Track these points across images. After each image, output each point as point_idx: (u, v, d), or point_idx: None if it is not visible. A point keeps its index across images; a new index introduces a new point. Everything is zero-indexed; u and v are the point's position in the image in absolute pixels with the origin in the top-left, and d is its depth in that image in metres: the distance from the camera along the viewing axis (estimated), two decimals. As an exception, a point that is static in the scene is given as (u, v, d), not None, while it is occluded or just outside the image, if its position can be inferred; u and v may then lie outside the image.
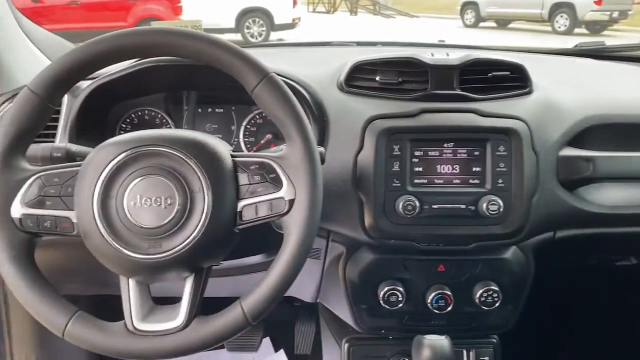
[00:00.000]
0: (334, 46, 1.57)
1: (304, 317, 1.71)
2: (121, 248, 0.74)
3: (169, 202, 0.74)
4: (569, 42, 1.81)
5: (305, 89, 1.08)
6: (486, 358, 1.16)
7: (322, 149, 0.91)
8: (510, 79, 1.07)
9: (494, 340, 1.18)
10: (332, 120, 1.05)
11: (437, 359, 0.96)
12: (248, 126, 1.21)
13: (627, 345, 1.61)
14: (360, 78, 1.07)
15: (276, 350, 1.82)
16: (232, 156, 0.80)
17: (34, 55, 1.26)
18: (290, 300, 1.44)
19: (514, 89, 1.07)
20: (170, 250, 0.74)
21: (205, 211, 0.75)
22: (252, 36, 9.35)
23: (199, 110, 1.21)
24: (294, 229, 0.77)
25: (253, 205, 0.78)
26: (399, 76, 1.05)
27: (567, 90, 1.15)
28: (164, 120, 1.20)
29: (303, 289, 1.27)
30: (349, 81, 1.08)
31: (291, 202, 0.77)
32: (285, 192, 0.77)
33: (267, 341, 1.84)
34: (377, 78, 1.05)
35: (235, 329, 0.75)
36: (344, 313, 1.15)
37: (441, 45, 1.65)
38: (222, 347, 1.65)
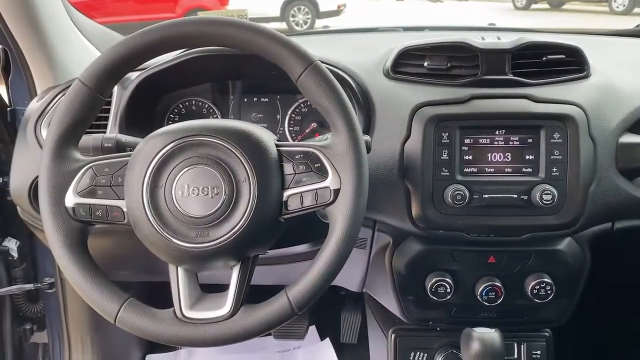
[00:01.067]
0: (380, 32, 1.54)
1: (350, 307, 1.71)
2: (170, 237, 0.75)
3: (215, 191, 0.75)
4: (629, 23, 1.70)
5: (351, 76, 1.06)
6: (538, 352, 1.12)
7: (368, 137, 0.89)
8: (566, 63, 1.02)
9: (547, 334, 1.14)
10: (378, 107, 1.03)
11: (487, 352, 0.93)
12: (293, 115, 1.20)
13: None
14: (407, 64, 1.05)
15: (322, 338, 1.82)
16: (277, 145, 0.80)
17: (86, 48, 1.29)
18: (336, 290, 1.44)
19: (570, 73, 1.02)
20: (217, 239, 0.74)
21: (251, 201, 0.75)
22: (297, 24, 9.32)
23: (245, 99, 1.21)
24: (339, 218, 0.76)
25: (298, 195, 0.77)
26: (448, 61, 1.02)
27: (627, 73, 1.09)
28: (211, 110, 1.21)
29: (349, 279, 1.27)
30: (396, 67, 1.05)
31: (336, 191, 0.77)
32: (330, 182, 0.76)
33: (312, 329, 1.84)
34: (425, 64, 1.03)
35: (281, 318, 0.76)
36: (391, 304, 1.14)
37: (492, 29, 1.60)
38: (269, 334, 1.67)
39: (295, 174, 0.78)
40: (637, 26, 1.53)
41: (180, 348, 1.81)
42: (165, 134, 0.79)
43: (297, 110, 1.20)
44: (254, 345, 1.81)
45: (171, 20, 0.81)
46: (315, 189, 0.77)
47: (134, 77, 1.07)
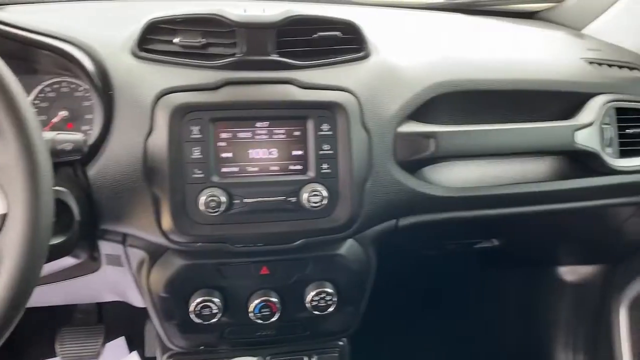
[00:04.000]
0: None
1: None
2: None
3: None
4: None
5: (88, 54, 0.86)
6: None
7: (78, 136, 0.70)
8: (342, 41, 0.90)
9: (341, 343, 1.04)
10: (118, 94, 0.84)
11: None
12: (36, 102, 0.97)
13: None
14: (156, 40, 0.87)
15: (131, 351, 1.63)
16: None
17: None
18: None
19: (346, 52, 0.89)
20: None
21: None
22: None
23: None
24: (8, 252, 0.57)
25: None
26: (203, 37, 0.85)
27: (417, 52, 0.99)
28: None
29: (127, 295, 1.08)
30: (143, 44, 0.86)
31: (3, 217, 0.57)
32: None
33: (120, 342, 1.64)
34: (176, 40, 0.85)
35: None
36: (159, 328, 0.96)
37: None
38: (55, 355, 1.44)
39: None
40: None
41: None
42: None
43: (42, 95, 0.97)
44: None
45: None
46: None
47: None
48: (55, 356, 1.43)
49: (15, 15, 0.95)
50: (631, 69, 1.10)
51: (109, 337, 1.52)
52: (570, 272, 1.46)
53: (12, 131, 0.58)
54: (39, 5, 1.09)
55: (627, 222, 1.12)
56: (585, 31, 1.29)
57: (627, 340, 1.35)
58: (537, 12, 1.45)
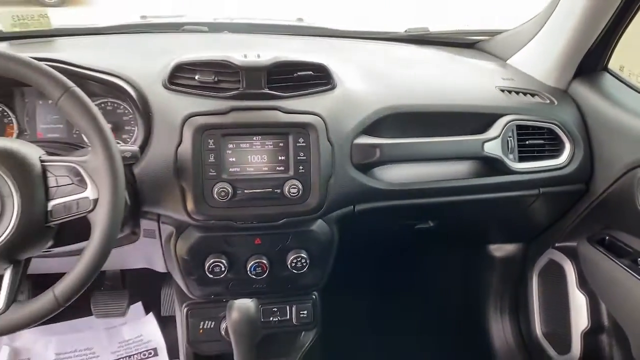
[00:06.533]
0: (187, 32, 1.65)
1: (167, 284, 1.88)
2: None
3: None
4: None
5: (133, 87, 1.19)
6: (305, 312, 1.37)
7: (134, 148, 1.04)
8: (315, 77, 1.23)
9: (313, 297, 1.39)
10: (156, 116, 1.16)
11: (243, 319, 1.13)
12: None
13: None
14: (181, 77, 1.19)
15: (147, 313, 1.98)
16: (42, 160, 0.91)
17: None
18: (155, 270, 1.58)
19: (318, 85, 1.23)
20: None
21: (16, 213, 0.87)
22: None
23: (40, 102, 1.27)
24: (98, 224, 0.90)
25: (62, 205, 0.90)
26: (216, 76, 1.17)
27: (370, 83, 1.32)
28: (5, 113, 1.26)
29: (154, 262, 1.42)
30: (172, 80, 1.19)
31: (95, 201, 0.90)
32: (89, 193, 0.90)
33: (139, 306, 1.99)
34: (196, 77, 1.18)
35: (47, 312, 0.89)
36: (181, 283, 1.31)
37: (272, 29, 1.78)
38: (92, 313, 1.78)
39: (59, 186, 0.91)
40: (405, 31, 1.80)
41: (1, 335, 1.86)
42: None
43: None
44: (81, 326, 1.92)
45: None
46: (77, 199, 0.90)
47: None
48: (90, 314, 1.77)
49: (71, 53, 1.25)
50: (533, 95, 1.43)
51: (132, 300, 1.87)
52: (497, 250, 1.81)
53: (100, 145, 0.90)
54: (82, 39, 1.42)
55: (530, 208, 1.46)
56: (509, 61, 1.61)
57: (536, 300, 1.72)
58: (475, 42, 1.79)
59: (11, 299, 0.90)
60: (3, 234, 0.86)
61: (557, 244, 1.60)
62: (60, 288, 0.89)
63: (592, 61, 1.45)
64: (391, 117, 1.27)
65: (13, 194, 0.87)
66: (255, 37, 1.66)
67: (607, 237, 1.41)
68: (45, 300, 0.89)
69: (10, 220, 0.87)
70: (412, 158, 1.29)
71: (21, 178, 0.88)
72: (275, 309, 1.36)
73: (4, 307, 0.89)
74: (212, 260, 1.22)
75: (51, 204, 0.90)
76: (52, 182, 0.91)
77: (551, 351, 1.65)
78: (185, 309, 1.35)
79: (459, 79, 1.48)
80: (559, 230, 1.58)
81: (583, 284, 1.52)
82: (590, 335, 1.51)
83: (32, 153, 0.92)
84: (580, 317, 1.53)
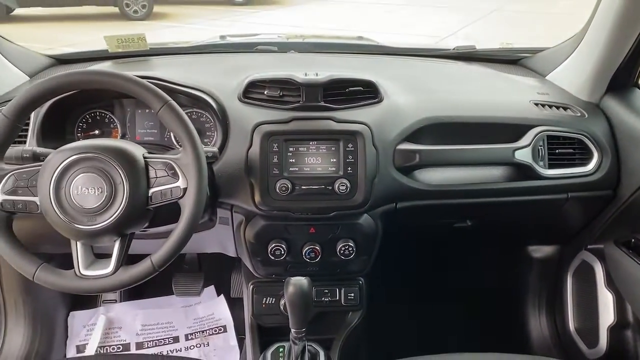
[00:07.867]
0: (258, 52, 1.90)
1: (236, 269, 2.14)
2: (69, 222, 1.11)
3: (100, 190, 1.11)
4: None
5: (214, 99, 1.44)
6: (352, 294, 1.57)
7: (215, 149, 1.27)
8: (364, 92, 1.43)
9: (360, 282, 1.59)
10: (232, 124, 1.40)
11: (297, 293, 1.32)
12: None
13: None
14: (253, 92, 1.43)
15: (218, 295, 2.25)
16: (145, 157, 1.17)
17: (10, 71, 1.60)
18: (227, 256, 1.83)
19: (367, 99, 1.43)
20: (102, 222, 1.11)
21: (125, 196, 1.12)
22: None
23: (139, 111, 1.55)
24: (187, 208, 1.13)
25: (159, 192, 1.15)
26: (281, 91, 1.41)
27: (414, 96, 1.51)
28: (111, 120, 1.55)
29: (227, 247, 1.66)
30: (246, 94, 1.44)
31: (185, 189, 1.14)
32: (180, 183, 1.14)
33: (211, 289, 2.26)
34: (265, 92, 1.42)
35: (145, 275, 1.13)
36: (248, 264, 1.56)
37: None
38: (172, 293, 2.07)
39: (157, 177, 1.16)
40: (453, 49, 1.97)
41: (100, 305, 2.19)
42: (65, 150, 1.14)
43: None
44: (162, 303, 2.22)
45: (69, 71, 1.16)
46: (171, 188, 1.14)
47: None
48: (171, 294, 2.06)
49: (165, 71, 1.50)
50: (565, 108, 1.56)
51: (206, 282, 2.15)
52: (536, 251, 1.94)
53: (190, 146, 1.13)
54: (172, 59, 1.70)
55: (561, 211, 1.57)
56: (548, 77, 1.75)
57: (570, 298, 1.83)
58: (519, 59, 1.93)
59: (119, 264, 1.15)
60: (116, 212, 1.12)
61: (588, 246, 1.72)
62: (157, 256, 1.14)
63: (623, 77, 1.56)
64: (431, 127, 1.44)
65: (124, 182, 1.12)
66: (317, 56, 1.90)
67: (632, 240, 1.52)
68: (145, 265, 1.14)
69: (122, 202, 1.12)
70: (449, 162, 1.46)
71: (130, 170, 1.13)
72: (327, 291, 1.57)
73: (114, 269, 1.14)
74: (274, 245, 1.44)
75: (151, 191, 1.15)
76: (152, 174, 1.16)
77: (582, 345, 1.77)
78: (251, 287, 1.59)
79: (497, 93, 1.64)
80: (590, 233, 1.69)
81: (610, 282, 1.63)
82: (615, 330, 1.62)
83: (137, 151, 1.17)
84: (607, 313, 1.64)
